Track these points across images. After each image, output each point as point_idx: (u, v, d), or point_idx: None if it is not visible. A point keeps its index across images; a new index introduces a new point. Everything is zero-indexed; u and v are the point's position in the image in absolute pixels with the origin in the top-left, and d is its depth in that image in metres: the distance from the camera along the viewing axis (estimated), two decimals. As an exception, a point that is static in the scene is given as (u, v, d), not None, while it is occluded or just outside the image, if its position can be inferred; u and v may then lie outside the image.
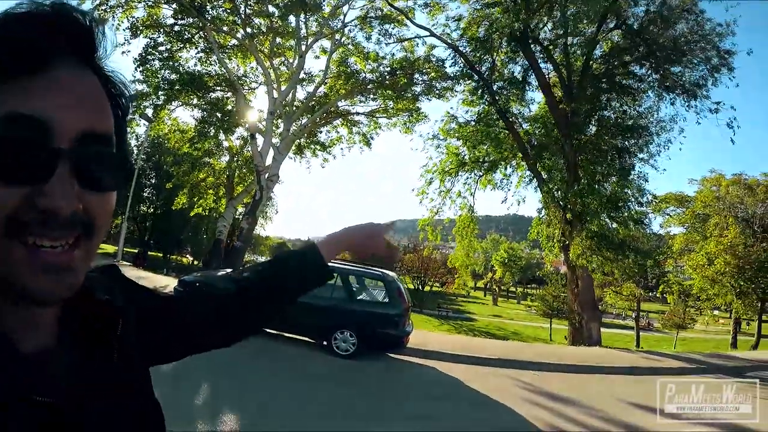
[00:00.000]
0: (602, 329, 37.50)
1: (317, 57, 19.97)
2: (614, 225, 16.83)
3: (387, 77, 18.81)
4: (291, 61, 19.18)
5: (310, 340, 9.98)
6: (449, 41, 17.20)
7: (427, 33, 17.61)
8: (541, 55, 16.88)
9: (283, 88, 18.60)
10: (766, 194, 24.65)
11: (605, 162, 15.73)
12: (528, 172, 18.00)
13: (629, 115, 16.98)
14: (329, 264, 1.02)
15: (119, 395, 0.64)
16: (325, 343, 9.52)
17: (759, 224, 24.79)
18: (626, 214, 17.05)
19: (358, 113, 20.73)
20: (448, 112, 18.90)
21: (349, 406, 6.60)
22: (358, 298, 10.22)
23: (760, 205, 24.71)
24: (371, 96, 19.76)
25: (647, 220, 18.91)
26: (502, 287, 66.87)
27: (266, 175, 16.76)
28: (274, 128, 18.23)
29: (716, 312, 33.37)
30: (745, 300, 24.29)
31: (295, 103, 19.13)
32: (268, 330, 9.52)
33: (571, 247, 15.54)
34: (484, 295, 71.69)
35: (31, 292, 0.51)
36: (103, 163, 0.54)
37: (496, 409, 7.33)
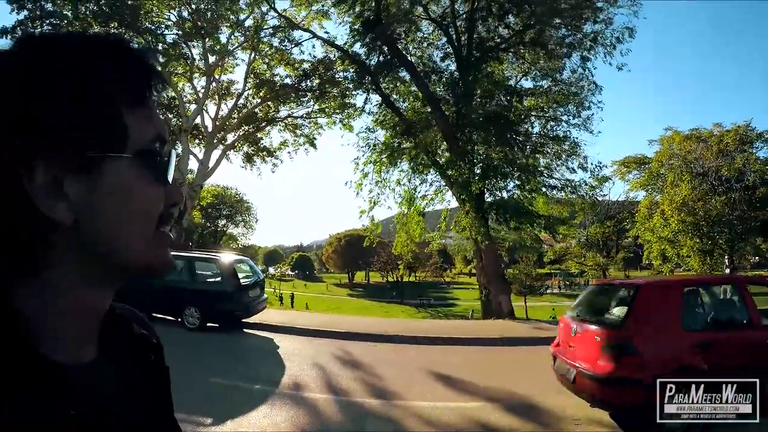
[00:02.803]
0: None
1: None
2: (523, 194, 17.08)
3: (303, 80, 19.55)
4: (217, 77, 20.30)
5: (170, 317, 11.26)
6: (327, 39, 17.67)
7: (311, 35, 18.09)
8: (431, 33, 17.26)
9: (212, 105, 19.85)
10: (719, 145, 23.58)
11: (482, 129, 15.63)
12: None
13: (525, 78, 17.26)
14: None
15: (148, 415, 0.70)
16: (179, 318, 10.99)
17: (715, 177, 23.76)
18: (534, 182, 17.21)
19: (294, 117, 21.52)
20: (381, 104, 18.80)
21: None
22: (200, 280, 11.56)
23: (715, 158, 23.56)
24: (298, 99, 20.51)
25: (586, 186, 18.87)
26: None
27: (187, 187, 17.89)
28: (197, 142, 19.37)
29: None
30: (708, 258, 23.39)
31: (219, 118, 20.08)
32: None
33: (454, 218, 15.77)
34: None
35: (165, 264, 0.65)
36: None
37: (268, 368, 8.32)
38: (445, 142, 16.68)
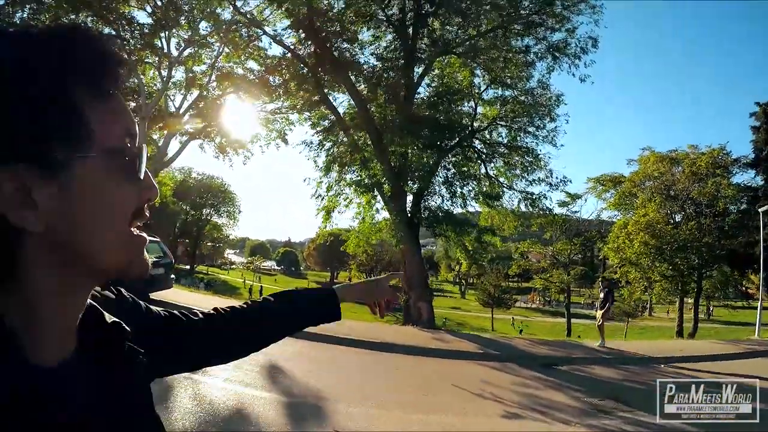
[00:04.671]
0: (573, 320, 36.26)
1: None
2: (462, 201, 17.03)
3: (265, 75, 19.65)
4: (189, 68, 20.65)
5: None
6: (274, 36, 17.47)
7: (261, 32, 17.96)
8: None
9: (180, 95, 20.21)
10: (692, 168, 22.53)
11: (409, 131, 15.25)
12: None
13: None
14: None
15: (126, 410, 0.69)
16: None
17: (685, 200, 22.84)
18: (468, 189, 17.14)
19: (266, 111, 21.65)
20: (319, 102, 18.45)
21: None
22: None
23: (688, 181, 22.60)
24: (270, 95, 20.58)
25: (547, 200, 18.67)
26: (470, 279, 64.88)
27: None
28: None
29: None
30: (668, 284, 22.67)
31: (182, 109, 20.36)
32: None
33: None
34: (460, 289, 70.18)
35: (140, 265, 0.64)
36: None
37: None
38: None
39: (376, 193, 17.05)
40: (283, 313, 1.13)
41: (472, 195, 17.77)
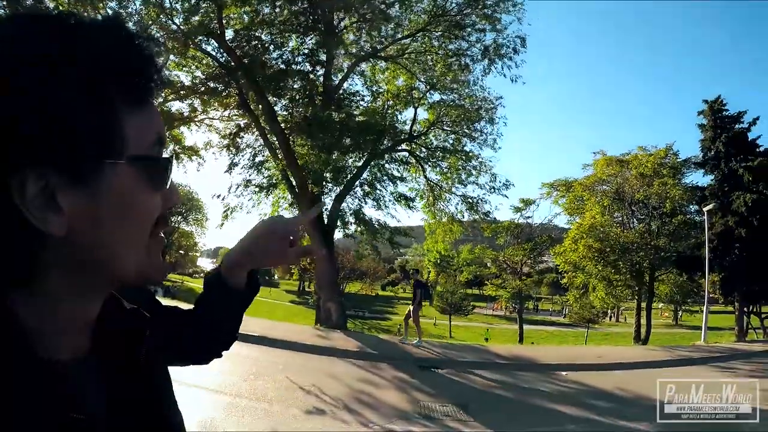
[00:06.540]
0: (535, 327, 35.64)
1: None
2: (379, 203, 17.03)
3: (206, 82, 19.79)
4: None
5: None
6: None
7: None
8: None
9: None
10: (638, 168, 21.96)
11: (309, 135, 15.13)
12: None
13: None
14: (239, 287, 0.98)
15: (147, 406, 0.69)
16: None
17: (631, 202, 22.51)
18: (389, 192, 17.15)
19: (211, 118, 21.77)
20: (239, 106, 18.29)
21: None
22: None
23: (639, 184, 22.02)
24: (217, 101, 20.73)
25: (487, 204, 18.57)
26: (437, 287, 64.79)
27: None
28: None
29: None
30: (613, 288, 22.34)
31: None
32: None
33: None
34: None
35: (159, 271, 0.64)
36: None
37: None
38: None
39: (282, 194, 17.23)
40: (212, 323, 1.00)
41: (389, 198, 17.70)
